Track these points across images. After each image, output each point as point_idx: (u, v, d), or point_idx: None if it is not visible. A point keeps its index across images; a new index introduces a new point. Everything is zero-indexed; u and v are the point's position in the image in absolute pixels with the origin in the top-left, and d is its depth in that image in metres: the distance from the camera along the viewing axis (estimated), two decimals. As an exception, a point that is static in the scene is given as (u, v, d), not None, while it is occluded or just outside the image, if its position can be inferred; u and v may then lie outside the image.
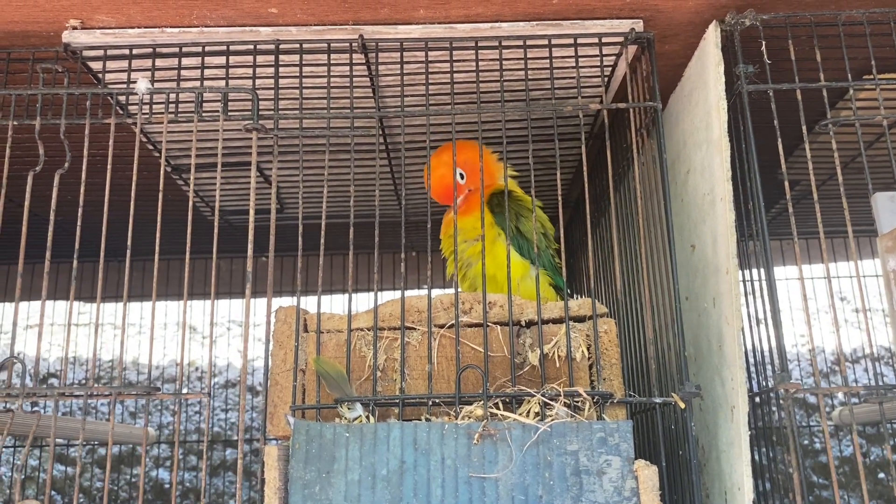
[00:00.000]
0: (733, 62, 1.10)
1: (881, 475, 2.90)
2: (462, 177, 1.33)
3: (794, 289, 2.83)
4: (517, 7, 1.12)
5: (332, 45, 1.13)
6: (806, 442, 2.94)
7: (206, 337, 3.13)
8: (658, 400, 1.00)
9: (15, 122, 1.10)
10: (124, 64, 1.14)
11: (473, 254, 1.31)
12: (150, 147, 1.47)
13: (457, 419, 0.96)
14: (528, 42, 1.14)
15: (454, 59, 1.18)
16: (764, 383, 1.19)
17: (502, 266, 1.25)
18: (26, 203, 1.06)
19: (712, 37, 1.10)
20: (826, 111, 1.09)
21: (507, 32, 1.14)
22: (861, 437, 2.96)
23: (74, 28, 1.12)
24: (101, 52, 1.13)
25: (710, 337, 1.11)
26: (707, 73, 1.12)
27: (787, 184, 1.04)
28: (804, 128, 1.05)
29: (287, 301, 1.12)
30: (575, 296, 1.98)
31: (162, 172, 1.08)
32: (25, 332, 2.91)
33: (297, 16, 1.12)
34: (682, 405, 0.98)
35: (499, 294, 1.07)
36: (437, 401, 0.98)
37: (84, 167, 1.06)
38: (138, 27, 1.13)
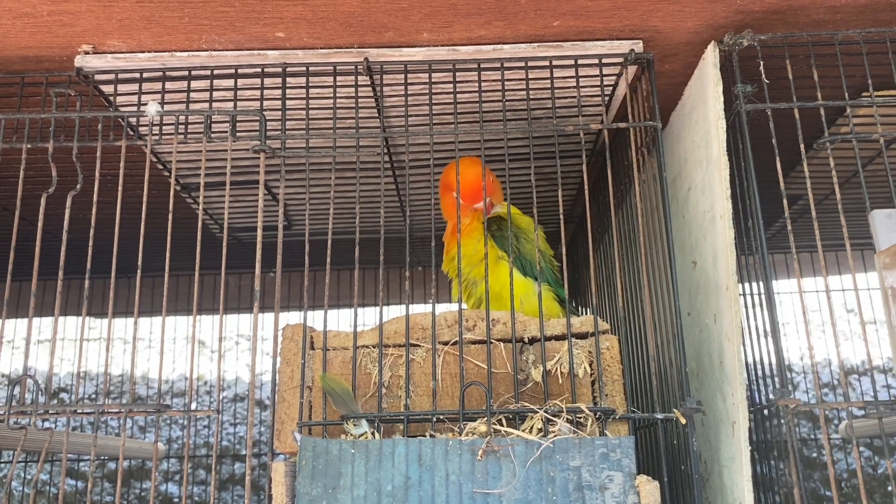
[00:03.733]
0: (732, 81, 1.12)
1: (890, 488, 2.89)
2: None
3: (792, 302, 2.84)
4: (518, 29, 1.14)
5: (337, 67, 1.16)
6: (815, 455, 2.94)
7: (215, 351, 3.16)
8: (660, 416, 1.02)
9: (28, 145, 1.13)
10: (135, 87, 1.17)
11: (479, 274, 1.33)
12: (161, 167, 1.50)
13: (461, 435, 0.98)
14: (530, 63, 1.16)
15: (458, 79, 1.20)
16: (769, 398, 1.20)
17: (506, 285, 1.27)
18: (40, 223, 1.08)
19: (711, 57, 1.12)
20: (826, 129, 1.11)
21: (508, 54, 1.16)
22: (869, 449, 2.96)
23: (87, 53, 1.15)
24: (112, 76, 1.16)
25: (711, 352, 1.12)
26: (706, 92, 1.13)
27: (785, 202, 1.06)
28: (802, 146, 1.07)
29: (294, 316, 1.14)
30: (580, 311, 1.99)
31: (172, 192, 1.10)
32: (37, 346, 2.94)
33: (304, 40, 1.14)
34: (684, 421, 0.99)
35: (502, 311, 1.09)
36: (441, 417, 1.00)
37: (96, 188, 1.09)
38: (149, 51, 1.16)
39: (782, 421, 1.08)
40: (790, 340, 2.78)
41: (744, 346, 1.14)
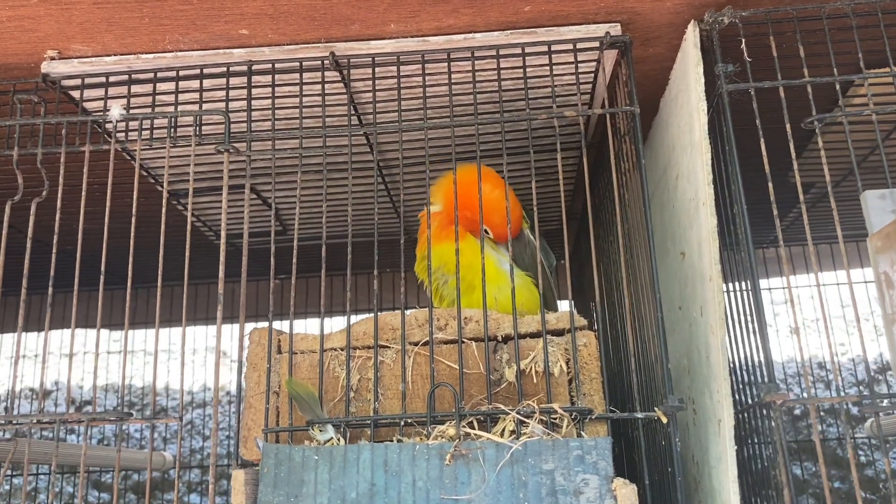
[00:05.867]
0: (715, 62, 1.06)
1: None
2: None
3: (830, 296, 2.74)
4: (489, 16, 1.10)
5: (304, 63, 1.13)
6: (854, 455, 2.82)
7: (234, 360, 3.16)
8: (640, 415, 0.96)
9: (-6, 153, 1.12)
10: (103, 92, 1.15)
11: (452, 270, 1.27)
12: (145, 174, 1.48)
13: (429, 439, 0.93)
14: (502, 51, 1.12)
15: (434, 72, 1.17)
16: (800, 394, 1.13)
17: (492, 281, 1.22)
18: (4, 231, 1.07)
19: (691, 37, 1.07)
20: (814, 108, 1.04)
21: (480, 43, 1.12)
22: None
23: (52, 58, 1.13)
24: (79, 81, 1.14)
25: (699, 347, 1.06)
26: (688, 74, 1.08)
27: (770, 185, 0.99)
28: (788, 126, 1.01)
29: (278, 324, 1.11)
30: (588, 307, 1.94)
31: (135, 195, 1.07)
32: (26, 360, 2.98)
33: (269, 36, 1.12)
34: (665, 420, 0.94)
35: (475, 309, 1.04)
36: (409, 421, 0.96)
37: (59, 193, 1.07)
38: (114, 55, 1.14)
39: (811, 420, 1.02)
40: (811, 338, 2.69)
41: (738, 340, 1.08)
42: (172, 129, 1.09)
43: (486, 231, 1.25)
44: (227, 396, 3.17)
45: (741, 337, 1.08)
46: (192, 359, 3.14)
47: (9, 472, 2.77)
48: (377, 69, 1.14)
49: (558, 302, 1.49)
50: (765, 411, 1.16)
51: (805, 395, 2.85)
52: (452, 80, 1.19)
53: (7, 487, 2.90)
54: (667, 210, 1.24)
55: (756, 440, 1.14)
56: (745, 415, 1.05)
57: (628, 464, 1.22)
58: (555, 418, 0.94)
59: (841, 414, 2.57)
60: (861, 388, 2.79)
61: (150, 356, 3.21)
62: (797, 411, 2.88)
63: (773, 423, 0.93)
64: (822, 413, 2.77)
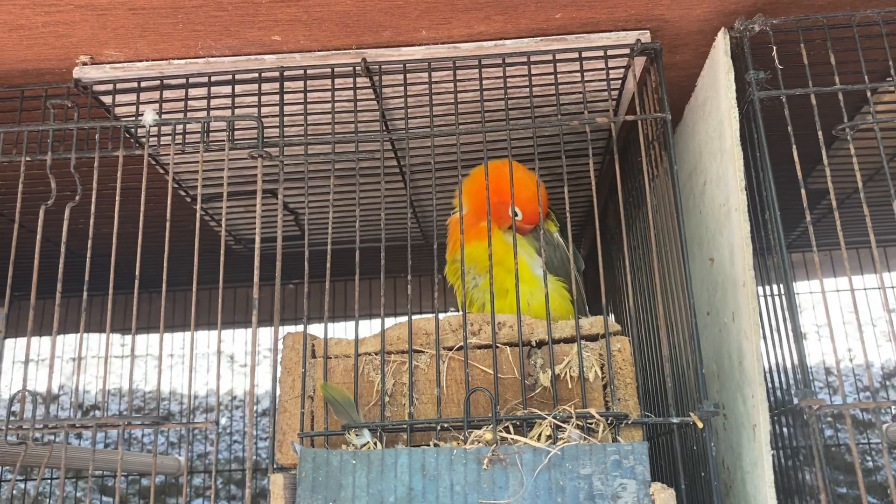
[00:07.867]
0: (745, 69, 1.07)
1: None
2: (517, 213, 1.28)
3: (844, 300, 2.74)
4: (520, 23, 1.11)
5: (335, 69, 1.13)
6: (861, 460, 2.83)
7: (244, 365, 3.16)
8: (675, 420, 0.97)
9: (28, 158, 1.12)
10: (135, 97, 1.16)
11: (484, 270, 1.26)
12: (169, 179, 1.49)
13: (465, 444, 0.94)
14: (533, 58, 1.12)
15: (464, 78, 1.17)
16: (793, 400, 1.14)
17: (524, 284, 1.22)
18: (38, 236, 1.07)
19: (721, 44, 1.08)
20: (846, 116, 1.05)
21: (510, 49, 1.13)
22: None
23: (84, 64, 1.14)
24: (111, 87, 1.15)
25: (731, 352, 1.07)
26: (718, 81, 1.09)
27: (803, 191, 1.00)
28: (820, 133, 1.01)
29: (309, 328, 1.11)
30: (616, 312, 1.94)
31: (169, 201, 1.08)
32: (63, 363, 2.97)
33: (301, 42, 1.12)
34: (701, 425, 0.94)
35: (508, 314, 1.04)
36: (445, 425, 0.96)
37: (94, 199, 1.08)
38: (146, 60, 1.15)
39: (840, 425, 1.02)
40: (817, 344, 2.70)
41: (766, 345, 1.08)
42: (205, 135, 1.10)
43: (515, 213, 1.25)
44: (236, 401, 3.17)
45: (769, 342, 1.09)
46: (202, 363, 3.14)
47: (20, 477, 2.77)
48: (401, 76, 1.15)
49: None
50: (787, 418, 1.17)
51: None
52: (475, 87, 1.20)
53: (16, 492, 2.90)
54: (693, 215, 1.25)
55: (778, 445, 1.15)
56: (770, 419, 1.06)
57: (657, 469, 1.23)
58: (591, 423, 0.94)
59: (877, 421, 2.57)
60: (871, 393, 2.80)
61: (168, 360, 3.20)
62: (806, 416, 2.89)
63: (807, 428, 0.93)
64: (829, 418, 2.78)
